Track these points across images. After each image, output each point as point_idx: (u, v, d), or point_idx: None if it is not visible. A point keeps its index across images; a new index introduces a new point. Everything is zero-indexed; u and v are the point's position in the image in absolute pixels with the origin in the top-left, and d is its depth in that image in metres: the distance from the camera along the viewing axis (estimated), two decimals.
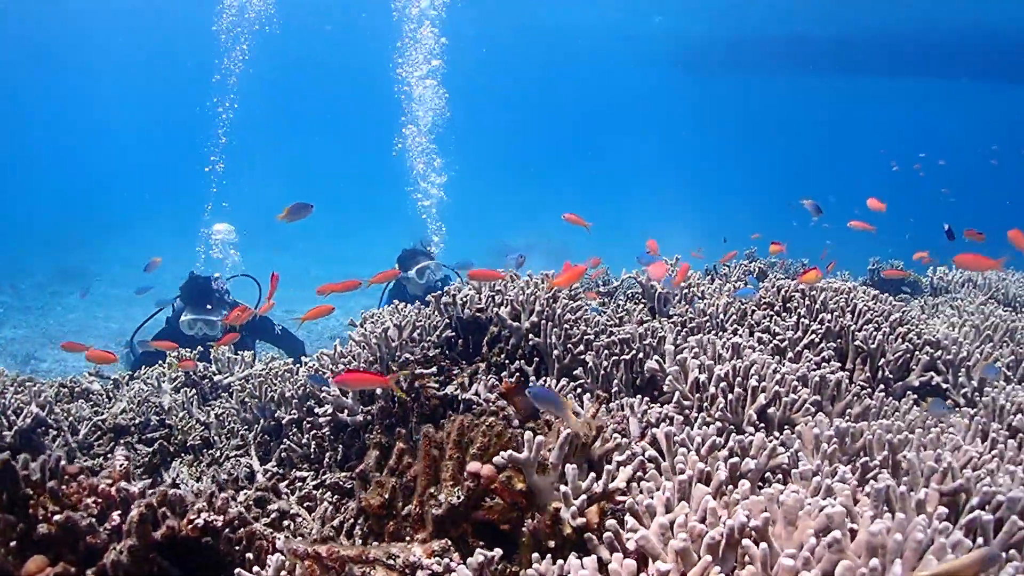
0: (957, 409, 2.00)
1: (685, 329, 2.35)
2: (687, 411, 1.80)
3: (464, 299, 2.63)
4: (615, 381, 2.08)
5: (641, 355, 2.12)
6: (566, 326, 2.24)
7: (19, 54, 23.22)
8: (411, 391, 2.36)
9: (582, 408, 1.84)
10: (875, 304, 2.30)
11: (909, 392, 2.06)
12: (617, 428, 1.75)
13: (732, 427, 1.71)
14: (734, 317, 2.34)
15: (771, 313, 2.37)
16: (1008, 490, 1.31)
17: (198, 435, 3.01)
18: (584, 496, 1.37)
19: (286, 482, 2.62)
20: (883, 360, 2.13)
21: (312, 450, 2.61)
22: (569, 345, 2.21)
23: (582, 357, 2.18)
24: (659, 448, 1.60)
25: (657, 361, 1.94)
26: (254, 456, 2.86)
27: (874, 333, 2.15)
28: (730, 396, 1.69)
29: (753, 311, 2.38)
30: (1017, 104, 22.21)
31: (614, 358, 2.11)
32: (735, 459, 1.38)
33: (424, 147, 7.49)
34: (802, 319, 2.25)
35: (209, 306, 4.87)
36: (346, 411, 2.50)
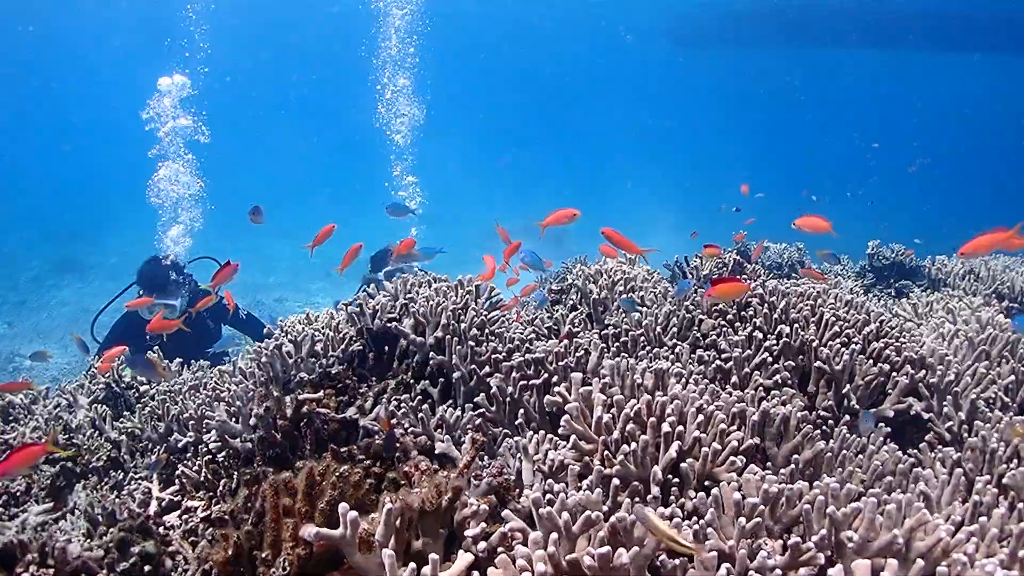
0: (939, 448, 1.61)
1: (618, 343, 1.97)
2: (590, 458, 1.44)
3: (376, 307, 2.29)
4: (522, 411, 1.72)
5: (556, 378, 1.77)
6: (472, 343, 1.89)
7: (10, 48, 23.01)
8: (300, 416, 2.04)
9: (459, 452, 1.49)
10: (847, 313, 1.90)
11: (881, 425, 1.67)
12: (495, 481, 1.40)
13: (639, 484, 1.35)
14: (675, 329, 1.96)
15: (723, 323, 1.99)
16: None
17: (105, 455, 2.78)
18: None
19: (179, 511, 2.36)
20: (850, 385, 1.74)
21: (205, 477, 2.32)
22: (474, 366, 1.86)
23: (489, 380, 1.83)
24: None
25: (560, 393, 1.57)
26: (155, 481, 2.58)
27: (841, 350, 1.76)
28: (634, 444, 1.33)
29: (702, 320, 1.99)
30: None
31: (523, 382, 1.76)
32: (605, 549, 1.02)
33: (397, 67, 6.96)
34: (756, 332, 1.86)
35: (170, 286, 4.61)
36: (238, 438, 2.20)
